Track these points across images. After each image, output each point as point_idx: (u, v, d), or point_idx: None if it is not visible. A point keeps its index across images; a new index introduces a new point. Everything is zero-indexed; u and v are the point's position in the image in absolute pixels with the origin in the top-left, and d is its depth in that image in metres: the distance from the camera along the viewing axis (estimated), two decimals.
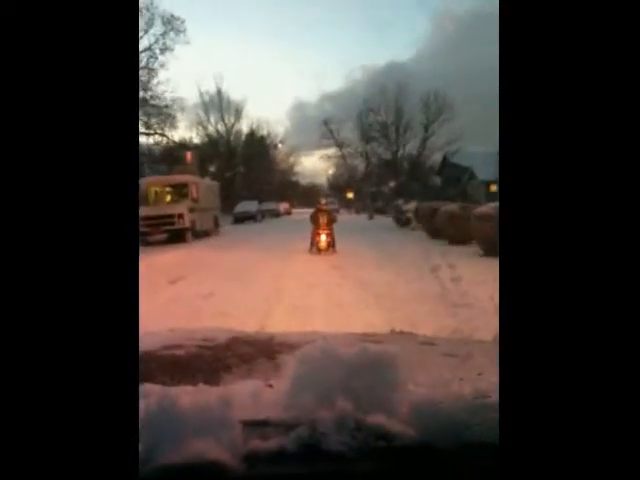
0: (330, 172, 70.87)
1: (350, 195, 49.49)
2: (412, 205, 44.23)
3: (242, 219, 30.51)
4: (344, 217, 26.92)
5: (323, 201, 13.05)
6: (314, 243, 11.06)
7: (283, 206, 48.06)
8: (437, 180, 41.46)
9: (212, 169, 44.68)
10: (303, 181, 73.40)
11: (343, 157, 43.36)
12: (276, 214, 40.67)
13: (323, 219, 11.02)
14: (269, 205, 41.20)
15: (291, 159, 55.35)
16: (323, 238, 10.93)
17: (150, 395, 0.60)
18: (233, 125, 48.59)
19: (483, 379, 0.76)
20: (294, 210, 57.53)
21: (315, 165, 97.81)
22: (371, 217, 32.79)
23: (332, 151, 44.74)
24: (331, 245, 10.97)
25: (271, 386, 0.72)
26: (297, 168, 66.11)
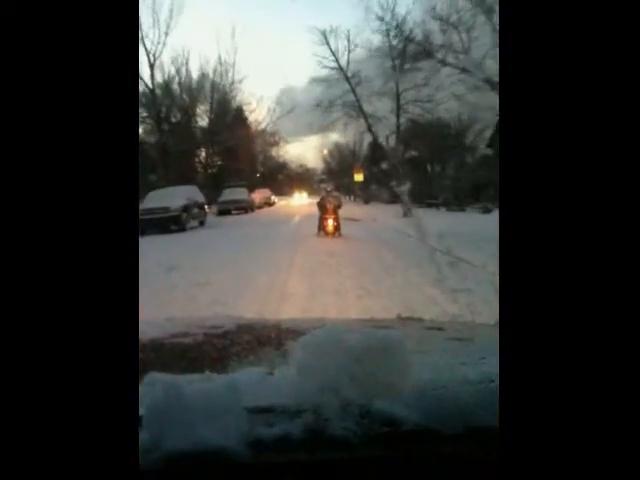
0: (325, 152, 55.26)
1: (359, 177, 33.72)
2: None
3: (155, 223, 14.47)
4: (349, 210, 16.46)
5: (329, 188, 14.17)
6: (322, 227, 12.01)
7: (260, 195, 32.57)
8: (489, 151, 26.29)
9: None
10: (292, 166, 58.44)
11: (358, 102, 21.24)
12: (246, 207, 25.26)
13: (330, 205, 11.92)
14: (234, 194, 25.68)
15: (272, 118, 38.04)
16: (330, 223, 11.89)
17: (156, 383, 0.60)
18: (164, 43, 30.04)
19: (487, 363, 0.75)
20: (280, 199, 42.02)
21: (303, 152, 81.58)
22: (407, 212, 17.84)
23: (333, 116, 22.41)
24: (337, 229, 11.94)
25: (272, 374, 0.73)
26: (282, 152, 50.37)
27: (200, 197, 17.75)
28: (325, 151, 56.33)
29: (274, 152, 48.42)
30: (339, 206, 12.22)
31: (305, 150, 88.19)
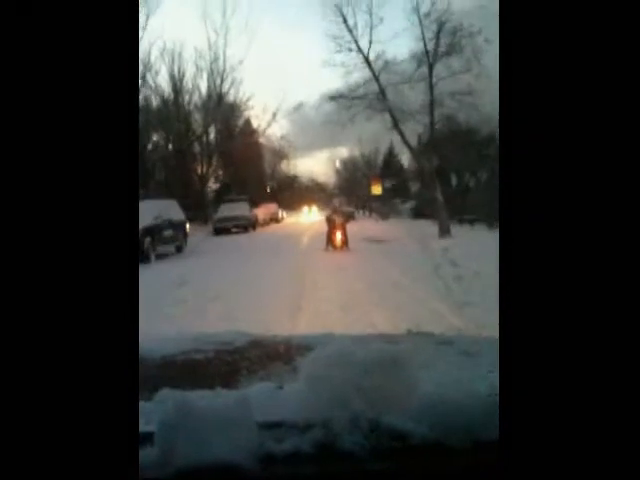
0: (338, 164, 51.66)
1: (377, 189, 29.61)
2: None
3: None
4: (368, 228, 17.00)
5: (337, 204, 14.70)
6: (330, 242, 12.06)
7: (266, 210, 28.73)
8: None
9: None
10: (302, 180, 55.14)
11: (382, 93, 15.91)
12: (247, 224, 21.41)
13: (338, 220, 12.09)
14: (233, 209, 21.77)
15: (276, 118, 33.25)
16: (338, 237, 12.01)
17: (168, 399, 0.60)
18: (144, 28, 21.78)
19: (496, 377, 0.76)
20: (289, 215, 38.14)
21: (314, 168, 78.12)
22: (445, 231, 14.34)
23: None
24: (345, 243, 12.01)
25: (282, 389, 0.72)
26: (292, 165, 46.77)
27: (177, 214, 13.68)
28: (337, 163, 52.55)
29: (284, 165, 44.79)
30: (347, 221, 12.56)
31: (316, 165, 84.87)
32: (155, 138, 25.82)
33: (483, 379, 0.77)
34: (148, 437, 0.56)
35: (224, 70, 28.24)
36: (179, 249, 13.38)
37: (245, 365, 0.99)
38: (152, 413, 0.60)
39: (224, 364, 1.04)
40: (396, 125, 15.92)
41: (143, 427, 0.58)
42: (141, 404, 0.62)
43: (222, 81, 28.23)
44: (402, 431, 0.59)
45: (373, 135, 20.46)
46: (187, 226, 14.29)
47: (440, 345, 1.20)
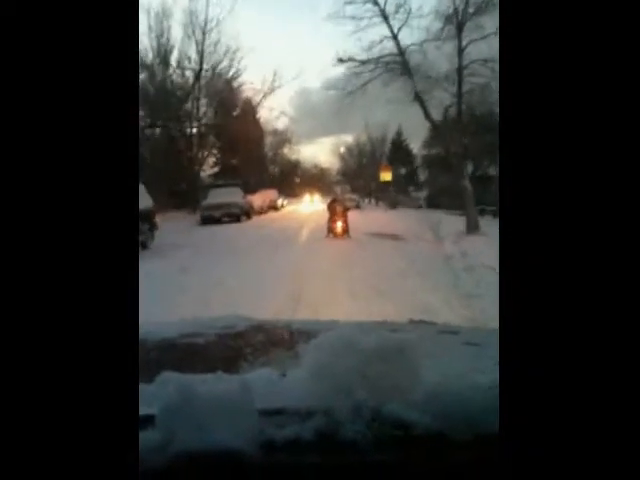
0: (343, 149, 48.89)
1: (386, 176, 26.83)
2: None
3: None
4: (375, 220, 15.82)
5: (340, 191, 16.34)
6: (330, 230, 12.07)
7: (263, 197, 25.98)
8: None
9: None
10: (305, 166, 52.65)
11: (401, 55, 12.81)
12: (239, 213, 18.77)
13: (339, 208, 12.09)
14: (224, 196, 19.09)
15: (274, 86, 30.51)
16: (339, 225, 12.03)
17: (170, 382, 0.60)
18: None
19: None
20: (289, 202, 35.38)
21: (318, 154, 75.17)
22: (473, 226, 11.34)
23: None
24: (345, 231, 12.04)
25: (284, 375, 0.71)
26: (295, 150, 44.10)
27: (142, 201, 10.86)
28: (342, 149, 49.71)
29: (286, 150, 42.00)
30: (348, 209, 12.72)
31: (320, 151, 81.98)
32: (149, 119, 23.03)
33: (488, 371, 0.73)
34: (149, 420, 0.56)
35: (206, 23, 25.25)
36: (142, 245, 10.66)
37: (247, 350, 0.97)
38: (153, 395, 0.59)
39: (225, 348, 1.04)
40: (417, 95, 13.00)
41: (144, 410, 0.57)
42: (142, 386, 0.62)
43: (204, 36, 25.28)
44: (405, 420, 0.58)
45: (383, 113, 17.56)
46: (155, 217, 11.57)
47: (444, 334, 1.19)
